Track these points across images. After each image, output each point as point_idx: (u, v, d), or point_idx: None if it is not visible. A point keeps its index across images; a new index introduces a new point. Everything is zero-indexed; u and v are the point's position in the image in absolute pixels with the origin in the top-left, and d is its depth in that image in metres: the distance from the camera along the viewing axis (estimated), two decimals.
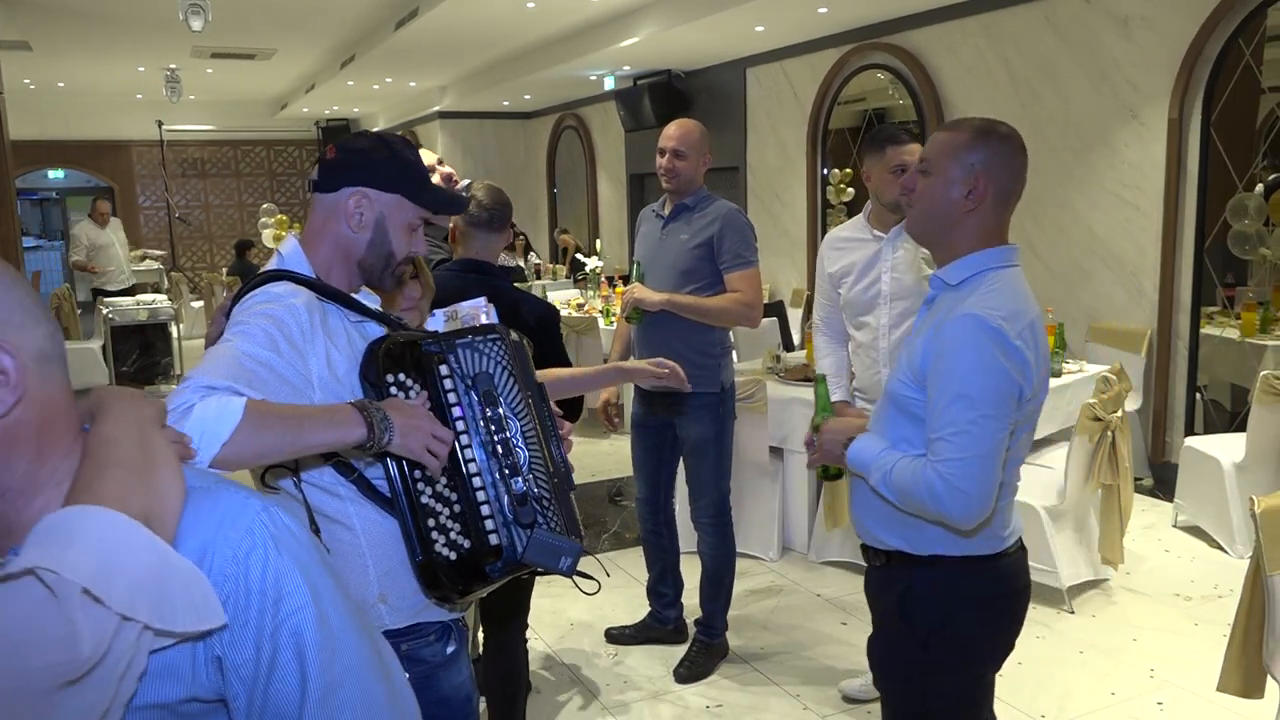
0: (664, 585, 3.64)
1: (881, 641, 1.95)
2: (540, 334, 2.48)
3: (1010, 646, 1.93)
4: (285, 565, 0.97)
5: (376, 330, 1.69)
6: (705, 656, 3.46)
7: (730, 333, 3.43)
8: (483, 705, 3.07)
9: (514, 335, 1.72)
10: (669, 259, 3.31)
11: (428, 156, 3.03)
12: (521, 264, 10.33)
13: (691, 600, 3.68)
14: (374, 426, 1.47)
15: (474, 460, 1.61)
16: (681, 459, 3.50)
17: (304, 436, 1.41)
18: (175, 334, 8.35)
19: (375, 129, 15.50)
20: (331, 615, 1.00)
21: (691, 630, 3.60)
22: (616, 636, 3.69)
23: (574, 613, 3.91)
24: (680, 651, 3.52)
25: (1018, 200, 1.87)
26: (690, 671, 3.41)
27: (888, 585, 1.91)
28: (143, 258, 10.13)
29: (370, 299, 1.74)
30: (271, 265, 1.68)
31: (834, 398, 3.11)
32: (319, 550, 1.04)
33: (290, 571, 0.97)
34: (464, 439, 1.60)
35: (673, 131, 3.27)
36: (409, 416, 1.53)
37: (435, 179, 3.00)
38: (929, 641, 1.84)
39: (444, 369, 1.62)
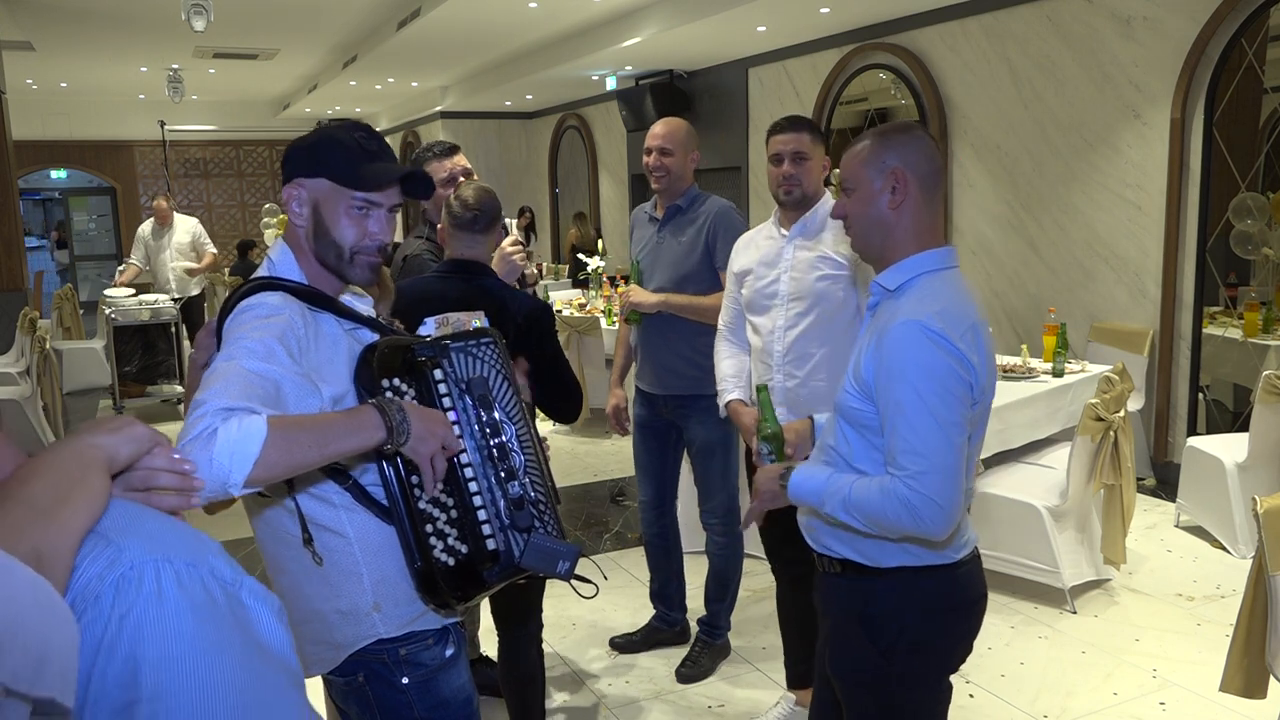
0: (669, 589, 3.61)
1: (842, 653, 1.90)
2: (529, 332, 2.44)
3: (969, 652, 1.91)
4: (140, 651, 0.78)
5: (369, 336, 1.67)
6: (708, 656, 3.46)
7: None
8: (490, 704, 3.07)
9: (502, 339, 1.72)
10: (667, 262, 3.28)
11: (459, 160, 3.00)
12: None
13: (694, 601, 3.68)
14: (393, 429, 1.47)
15: (470, 465, 1.59)
16: (689, 460, 3.48)
17: (330, 445, 1.41)
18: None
19: (377, 129, 15.54)
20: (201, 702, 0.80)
21: (694, 630, 3.60)
22: (622, 645, 3.63)
23: (576, 612, 3.91)
24: (683, 652, 3.52)
25: (943, 193, 1.86)
26: (693, 671, 3.41)
27: (844, 596, 1.87)
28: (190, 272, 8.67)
29: (363, 304, 1.72)
30: (261, 272, 1.66)
31: (730, 397, 2.95)
32: (221, 624, 0.83)
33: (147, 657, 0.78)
34: (462, 441, 1.59)
35: (658, 130, 3.26)
36: (427, 423, 1.52)
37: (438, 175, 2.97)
38: (894, 653, 1.80)
39: (437, 374, 1.61)
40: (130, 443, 0.95)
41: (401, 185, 1.69)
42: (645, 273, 3.35)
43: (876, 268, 1.86)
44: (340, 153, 1.63)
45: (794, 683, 3.08)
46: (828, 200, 2.80)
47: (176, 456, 1.00)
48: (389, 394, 1.58)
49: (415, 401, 1.59)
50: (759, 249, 2.90)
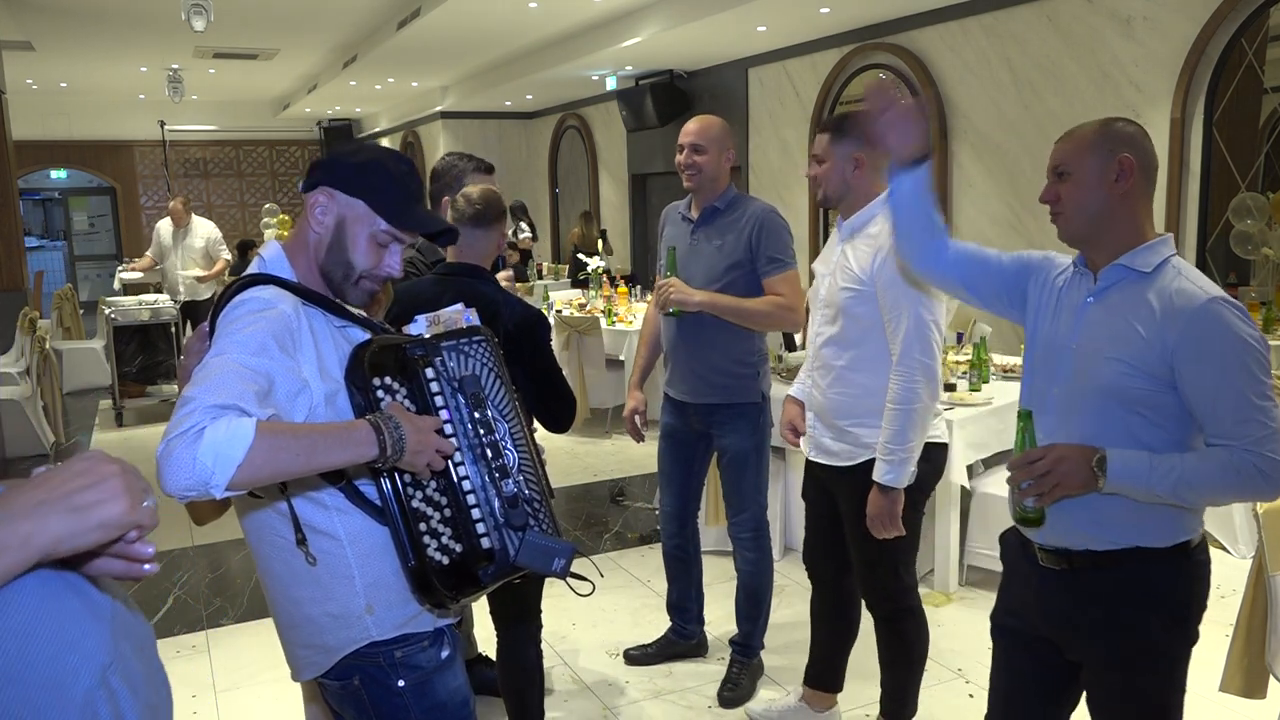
0: (688, 600, 3.50)
1: (1132, 643, 1.87)
2: (520, 339, 2.43)
3: None
4: None
5: (359, 335, 1.67)
6: (747, 676, 3.30)
7: (766, 341, 3.29)
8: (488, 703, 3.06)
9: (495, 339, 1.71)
10: (700, 268, 3.08)
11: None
12: (515, 239, 10.20)
13: (713, 612, 3.67)
14: (386, 447, 1.46)
15: (463, 464, 1.59)
16: (718, 472, 3.34)
17: (317, 457, 1.41)
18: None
19: (377, 129, 15.55)
20: None
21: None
22: (638, 658, 3.52)
23: (576, 612, 3.91)
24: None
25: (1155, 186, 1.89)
26: (735, 694, 3.23)
27: (1123, 585, 1.85)
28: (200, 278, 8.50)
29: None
30: (252, 269, 1.66)
31: (788, 391, 2.89)
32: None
33: None
34: (452, 442, 1.58)
35: (692, 126, 3.12)
36: (419, 432, 1.51)
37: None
38: (1186, 626, 1.86)
39: (429, 372, 1.60)
40: (94, 532, 0.84)
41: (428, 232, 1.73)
42: (679, 277, 3.13)
43: (1089, 252, 1.87)
44: (389, 184, 1.65)
45: (812, 681, 3.03)
46: (872, 209, 2.62)
47: (137, 545, 0.88)
48: (380, 393, 1.57)
49: (407, 400, 1.58)
50: (829, 247, 2.80)
